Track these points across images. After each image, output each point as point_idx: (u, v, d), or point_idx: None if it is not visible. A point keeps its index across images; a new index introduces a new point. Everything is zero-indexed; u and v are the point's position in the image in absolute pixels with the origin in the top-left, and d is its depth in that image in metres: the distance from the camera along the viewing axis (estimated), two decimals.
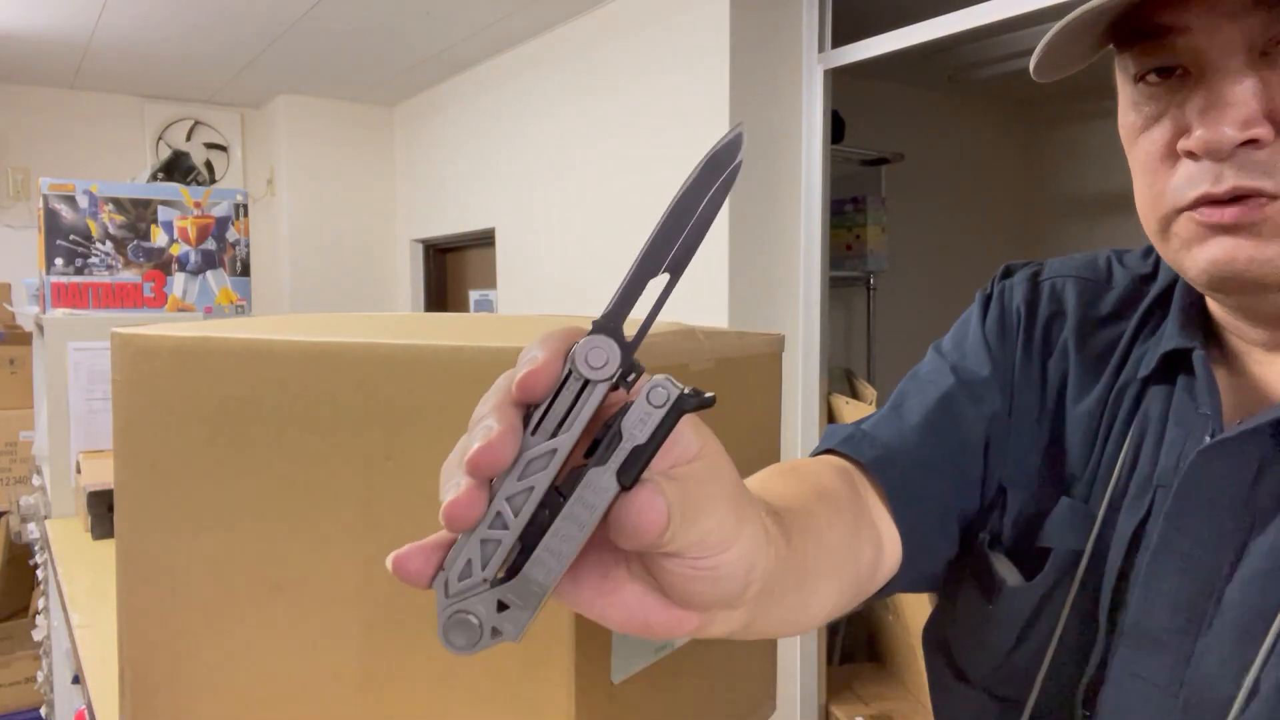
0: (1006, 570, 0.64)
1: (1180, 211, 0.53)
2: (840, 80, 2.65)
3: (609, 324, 0.35)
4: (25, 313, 2.74)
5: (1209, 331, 0.61)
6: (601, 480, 0.34)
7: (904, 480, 0.64)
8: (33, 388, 2.72)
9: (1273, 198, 0.49)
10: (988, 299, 0.72)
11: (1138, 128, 0.56)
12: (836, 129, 2.86)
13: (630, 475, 0.34)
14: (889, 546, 0.62)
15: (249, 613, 0.70)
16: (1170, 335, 0.60)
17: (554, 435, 0.34)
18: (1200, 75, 0.51)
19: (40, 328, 2.16)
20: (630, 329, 0.36)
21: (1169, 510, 0.56)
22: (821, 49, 2.60)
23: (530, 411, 0.35)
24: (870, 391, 2.78)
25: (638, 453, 0.34)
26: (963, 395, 0.67)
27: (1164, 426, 0.60)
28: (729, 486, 0.38)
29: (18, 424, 3.16)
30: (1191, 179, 0.51)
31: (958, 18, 2.23)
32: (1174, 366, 0.60)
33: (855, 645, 3.24)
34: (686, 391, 0.34)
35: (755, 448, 0.83)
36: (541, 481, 0.34)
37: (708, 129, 2.60)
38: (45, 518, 1.99)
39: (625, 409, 0.34)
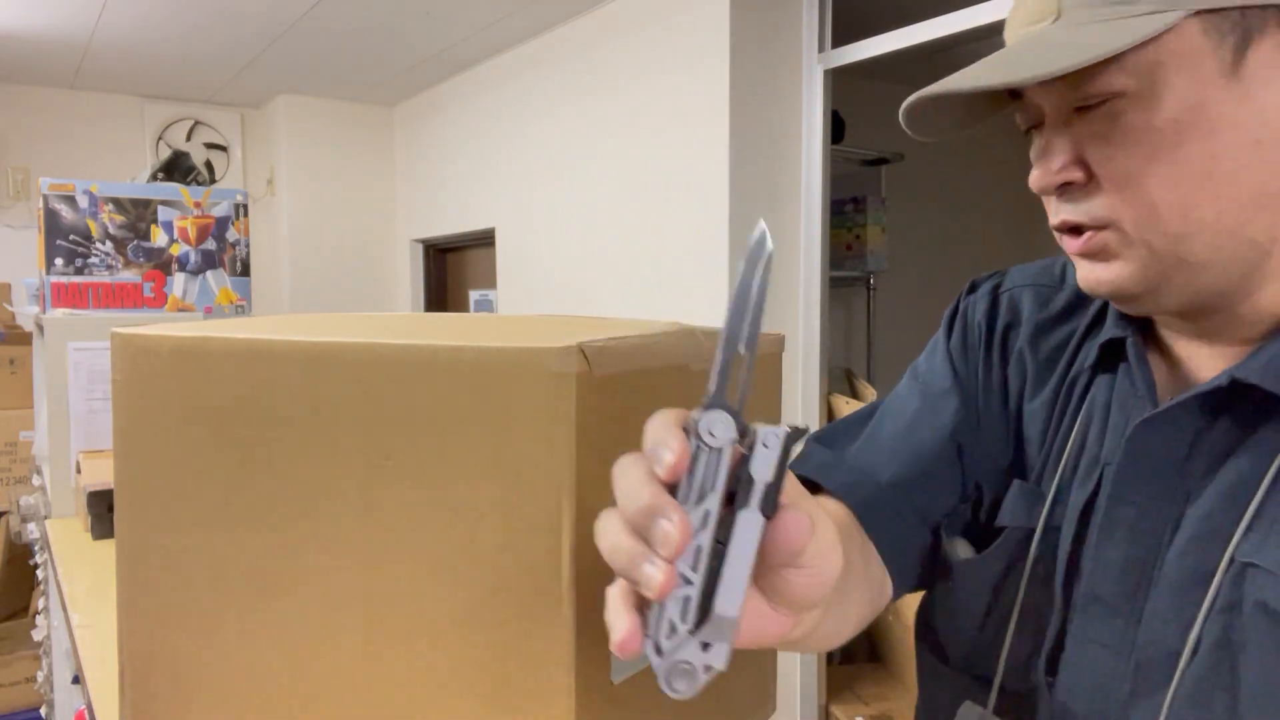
0: (962, 548, 0.69)
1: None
2: (840, 80, 2.65)
3: (718, 399, 0.43)
4: (25, 313, 2.74)
5: (1146, 323, 0.66)
6: (751, 518, 0.42)
7: (874, 501, 0.69)
8: (33, 388, 2.72)
9: (1097, 229, 0.57)
10: (953, 317, 0.77)
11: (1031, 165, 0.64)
12: (836, 129, 2.86)
13: (771, 507, 0.42)
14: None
15: (249, 613, 0.70)
16: (1109, 327, 0.66)
17: (701, 500, 0.42)
18: (1043, 129, 0.60)
19: (40, 328, 2.16)
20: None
21: (1113, 483, 0.61)
22: (821, 49, 2.60)
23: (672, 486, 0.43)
24: (870, 391, 2.78)
25: (770, 488, 0.42)
26: (929, 412, 0.73)
27: (1108, 410, 0.65)
28: (816, 507, 0.47)
29: (18, 424, 3.16)
30: (1050, 212, 0.61)
31: (958, 18, 2.23)
32: (1115, 355, 0.65)
33: (855, 645, 3.24)
34: (790, 430, 0.43)
35: None
36: (706, 539, 0.42)
37: (708, 129, 2.60)
38: (45, 518, 1.99)
39: (745, 459, 0.42)
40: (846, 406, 2.67)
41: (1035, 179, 0.59)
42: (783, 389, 0.89)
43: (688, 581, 0.42)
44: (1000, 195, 4.22)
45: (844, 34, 2.57)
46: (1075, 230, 0.59)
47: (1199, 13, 0.52)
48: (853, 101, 3.09)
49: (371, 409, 0.64)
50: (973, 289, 0.77)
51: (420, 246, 4.49)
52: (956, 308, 0.77)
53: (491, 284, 3.80)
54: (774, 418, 0.87)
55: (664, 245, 2.78)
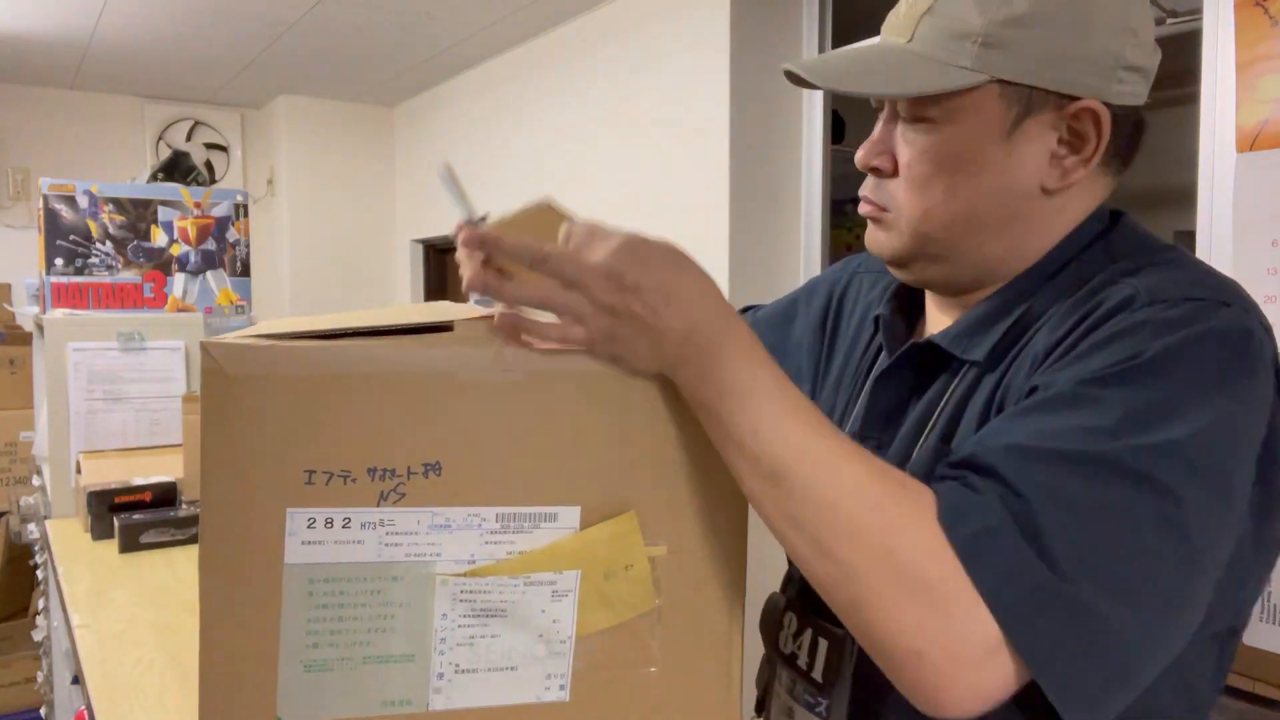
0: None
1: None
2: None
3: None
4: (25, 313, 2.74)
5: (917, 305, 0.84)
6: None
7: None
8: (33, 388, 2.72)
9: (883, 208, 0.76)
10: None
11: None
12: (836, 129, 2.86)
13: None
14: None
15: None
16: (881, 306, 0.85)
17: None
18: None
19: (40, 328, 2.16)
20: None
21: (860, 422, 0.79)
22: (821, 49, 2.60)
23: None
24: None
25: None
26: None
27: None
28: None
29: (18, 424, 3.15)
30: (863, 184, 0.78)
31: None
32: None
33: None
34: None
35: None
36: None
37: (708, 129, 2.60)
38: (45, 518, 1.99)
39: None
40: None
41: (858, 156, 0.74)
42: None
43: None
44: None
45: (844, 34, 2.57)
46: (870, 202, 0.75)
47: (1001, 81, 0.67)
48: (853, 101, 3.08)
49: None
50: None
51: (420, 246, 4.49)
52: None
53: None
54: None
55: None
